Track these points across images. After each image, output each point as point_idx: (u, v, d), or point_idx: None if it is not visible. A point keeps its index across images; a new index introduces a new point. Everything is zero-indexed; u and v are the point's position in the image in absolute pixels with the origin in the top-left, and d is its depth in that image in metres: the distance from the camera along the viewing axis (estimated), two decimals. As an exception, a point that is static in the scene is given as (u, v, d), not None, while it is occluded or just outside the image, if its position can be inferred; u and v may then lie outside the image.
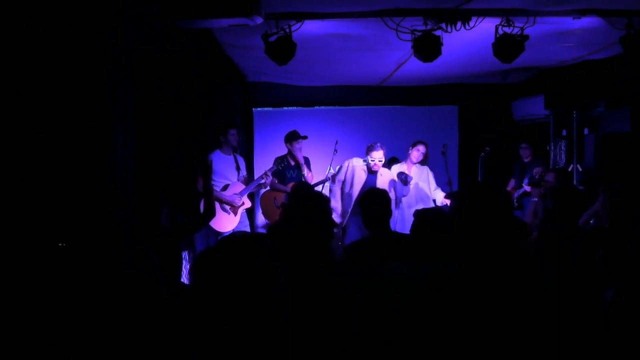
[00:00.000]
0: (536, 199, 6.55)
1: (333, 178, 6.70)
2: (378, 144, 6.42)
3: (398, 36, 5.00)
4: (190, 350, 2.11)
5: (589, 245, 3.15)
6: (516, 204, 7.33)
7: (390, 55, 6.41)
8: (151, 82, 5.25)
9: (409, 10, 4.78)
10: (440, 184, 7.13)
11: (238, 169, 6.50)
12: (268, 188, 6.82)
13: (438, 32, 4.94)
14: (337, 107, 9.11)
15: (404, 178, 6.66)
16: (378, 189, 4.20)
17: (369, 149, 6.44)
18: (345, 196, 6.49)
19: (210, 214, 4.43)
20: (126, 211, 3.90)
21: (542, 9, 4.84)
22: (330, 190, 6.67)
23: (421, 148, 6.91)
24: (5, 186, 3.53)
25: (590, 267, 3.06)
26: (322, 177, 7.12)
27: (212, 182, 6.27)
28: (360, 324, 2.22)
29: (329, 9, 4.75)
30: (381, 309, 2.21)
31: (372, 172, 6.44)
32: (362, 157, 6.56)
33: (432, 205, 6.81)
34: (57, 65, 3.68)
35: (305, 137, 7.16)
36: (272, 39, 5.01)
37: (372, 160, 6.39)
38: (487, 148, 7.50)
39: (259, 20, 4.02)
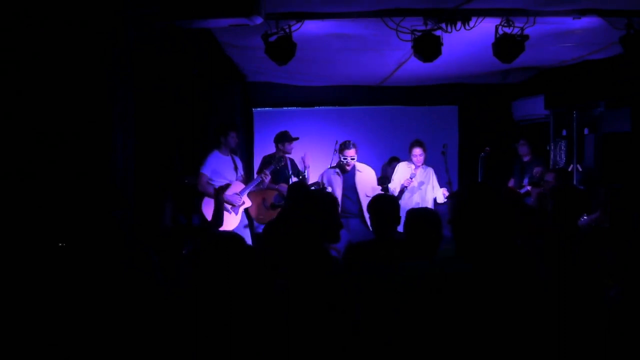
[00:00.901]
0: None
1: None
2: (351, 142, 6.39)
3: (398, 36, 4.99)
4: (190, 350, 2.11)
5: (589, 245, 3.16)
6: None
7: (390, 55, 6.41)
8: (151, 82, 5.26)
9: (409, 10, 4.77)
10: (440, 184, 7.12)
11: (236, 169, 6.51)
12: (265, 187, 6.82)
13: (438, 32, 4.94)
14: (337, 107, 9.11)
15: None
16: (386, 195, 4.19)
17: (342, 148, 6.40)
18: None
19: (219, 223, 4.48)
20: (126, 211, 3.90)
21: (542, 9, 4.84)
22: None
23: (417, 152, 6.83)
24: (6, 186, 3.53)
25: (591, 267, 3.06)
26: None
27: (211, 182, 6.32)
28: (361, 323, 2.23)
29: (329, 9, 4.75)
30: (381, 308, 2.21)
31: (345, 171, 6.41)
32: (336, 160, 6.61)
33: (433, 205, 6.81)
34: (57, 65, 3.68)
35: (296, 139, 7.21)
36: (272, 39, 5.00)
37: (344, 159, 6.36)
38: (487, 148, 7.49)
39: (259, 20, 4.02)
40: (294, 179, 6.95)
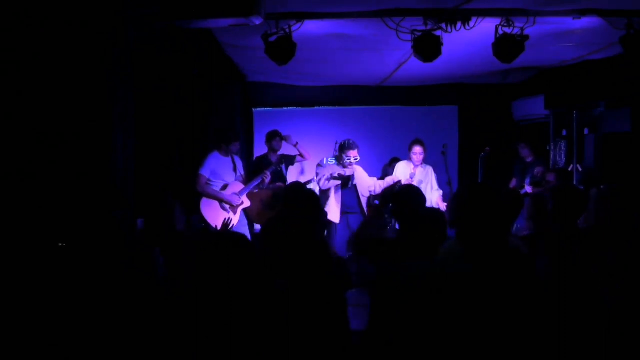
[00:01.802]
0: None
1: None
2: (353, 143, 6.39)
3: (398, 36, 4.99)
4: (190, 349, 2.11)
5: (589, 245, 3.15)
6: None
7: (390, 56, 6.41)
8: (151, 82, 5.26)
9: (409, 10, 4.77)
10: (440, 184, 7.12)
11: (235, 169, 6.52)
12: (265, 187, 6.83)
13: (438, 32, 4.94)
14: (337, 107, 9.11)
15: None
16: (414, 187, 4.15)
17: (345, 148, 6.38)
18: (323, 196, 6.49)
19: None
20: (126, 211, 3.90)
21: (542, 9, 4.84)
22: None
23: (417, 150, 6.86)
24: (6, 186, 3.53)
25: (591, 267, 3.06)
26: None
27: (211, 183, 6.33)
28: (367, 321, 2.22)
29: (329, 9, 4.74)
30: (382, 307, 2.21)
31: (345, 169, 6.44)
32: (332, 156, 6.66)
33: (431, 205, 6.80)
34: (57, 65, 3.68)
35: (285, 138, 7.33)
36: (272, 39, 5.00)
37: (347, 159, 6.36)
38: (487, 148, 7.49)
39: (259, 20, 4.02)
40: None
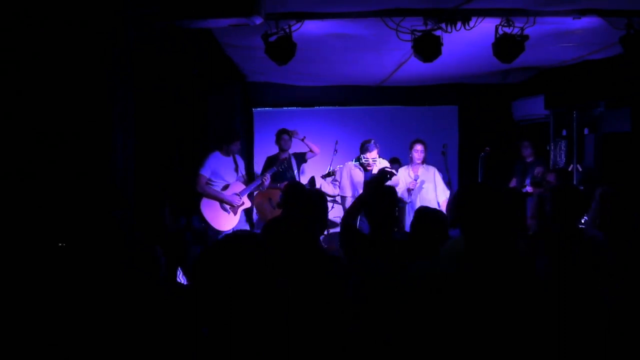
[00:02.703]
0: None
1: (329, 174, 6.75)
2: (372, 143, 6.41)
3: (398, 36, 4.99)
4: (190, 349, 2.11)
5: (589, 245, 3.15)
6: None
7: (390, 56, 6.41)
8: (151, 82, 5.26)
9: (409, 10, 4.77)
10: (441, 184, 7.13)
11: (237, 170, 6.52)
12: (264, 189, 6.84)
13: (438, 32, 4.94)
14: (337, 107, 9.11)
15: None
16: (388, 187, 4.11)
17: (364, 149, 6.44)
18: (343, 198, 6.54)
19: None
20: (126, 211, 3.90)
21: (542, 9, 4.84)
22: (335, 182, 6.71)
23: (419, 147, 6.88)
24: (6, 186, 3.53)
25: (591, 267, 3.06)
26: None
27: (211, 183, 6.33)
28: (363, 322, 2.23)
29: (329, 9, 4.74)
30: (382, 307, 2.21)
31: (367, 170, 6.49)
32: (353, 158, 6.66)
33: (437, 206, 6.79)
34: (57, 65, 3.68)
35: (290, 133, 7.28)
36: (272, 39, 5.00)
37: (365, 160, 6.41)
38: (487, 148, 7.49)
39: (259, 20, 4.02)
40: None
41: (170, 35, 4.95)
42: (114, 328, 2.48)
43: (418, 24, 4.95)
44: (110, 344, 2.45)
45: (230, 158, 6.49)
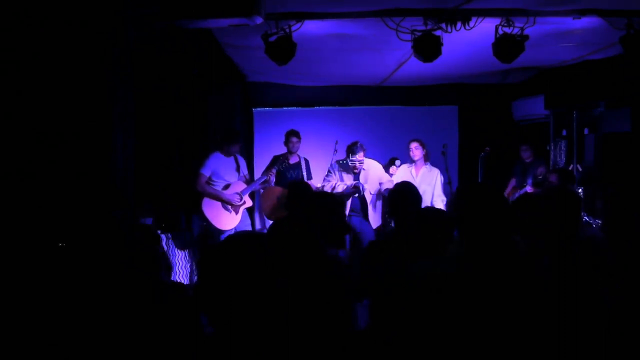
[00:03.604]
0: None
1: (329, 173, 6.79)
2: (358, 146, 6.49)
3: (398, 36, 4.99)
4: (191, 349, 2.11)
5: (589, 245, 3.15)
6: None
7: (390, 55, 6.41)
8: (151, 82, 5.26)
9: (409, 10, 4.77)
10: (441, 184, 7.10)
11: (238, 170, 6.52)
12: (270, 185, 6.81)
13: (438, 32, 4.94)
14: (337, 107, 9.11)
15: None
16: (409, 184, 4.09)
17: (351, 152, 6.50)
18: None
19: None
20: (126, 211, 3.90)
21: (542, 9, 4.84)
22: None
23: (413, 145, 6.86)
24: (6, 186, 3.54)
25: (590, 267, 3.06)
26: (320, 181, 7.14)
27: (212, 183, 6.34)
28: (366, 321, 2.23)
29: (329, 9, 4.74)
30: (383, 307, 2.21)
31: (355, 173, 6.59)
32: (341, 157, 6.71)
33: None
34: (57, 65, 3.68)
35: (295, 133, 7.25)
36: (272, 39, 5.00)
37: (352, 163, 6.50)
38: (487, 148, 7.48)
39: (259, 20, 4.02)
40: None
41: (170, 35, 4.95)
42: (114, 328, 2.48)
43: (418, 24, 4.95)
44: (110, 344, 2.45)
45: (232, 158, 6.50)
